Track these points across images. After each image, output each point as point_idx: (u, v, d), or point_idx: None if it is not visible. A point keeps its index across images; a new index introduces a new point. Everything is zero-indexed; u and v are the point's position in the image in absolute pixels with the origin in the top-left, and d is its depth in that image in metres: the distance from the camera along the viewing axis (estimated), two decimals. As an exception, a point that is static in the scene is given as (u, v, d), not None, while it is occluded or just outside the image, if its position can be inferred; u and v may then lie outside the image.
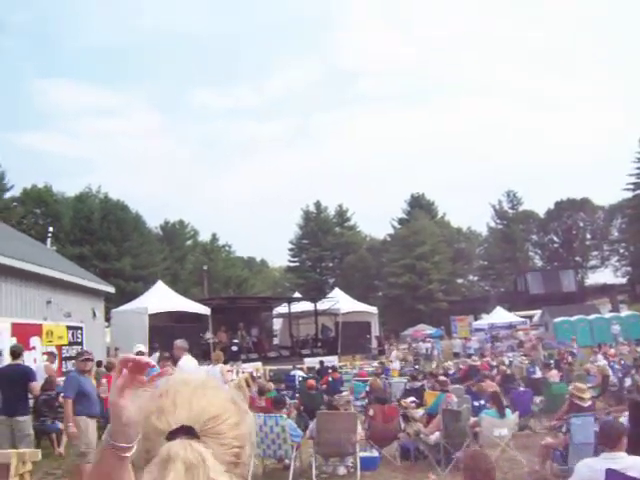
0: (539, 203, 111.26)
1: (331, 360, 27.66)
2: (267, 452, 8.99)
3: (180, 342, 11.08)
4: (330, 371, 21.54)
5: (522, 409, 11.26)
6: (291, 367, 24.85)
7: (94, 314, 23.18)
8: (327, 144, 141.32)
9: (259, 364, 26.15)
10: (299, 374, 22.45)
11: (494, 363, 21.93)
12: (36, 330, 17.91)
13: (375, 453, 9.55)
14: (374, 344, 35.04)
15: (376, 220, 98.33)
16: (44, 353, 15.42)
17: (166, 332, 24.31)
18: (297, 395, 15.34)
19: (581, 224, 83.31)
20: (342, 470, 9.28)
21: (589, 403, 9.54)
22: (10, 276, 16.52)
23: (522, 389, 13.18)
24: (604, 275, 79.60)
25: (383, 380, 16.65)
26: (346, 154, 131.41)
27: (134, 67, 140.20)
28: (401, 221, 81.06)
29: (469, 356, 33.76)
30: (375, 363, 28.32)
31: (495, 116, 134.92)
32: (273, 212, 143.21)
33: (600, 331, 38.57)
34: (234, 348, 25.10)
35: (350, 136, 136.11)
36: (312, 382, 14.54)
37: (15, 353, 9.41)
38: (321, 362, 25.50)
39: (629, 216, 73.20)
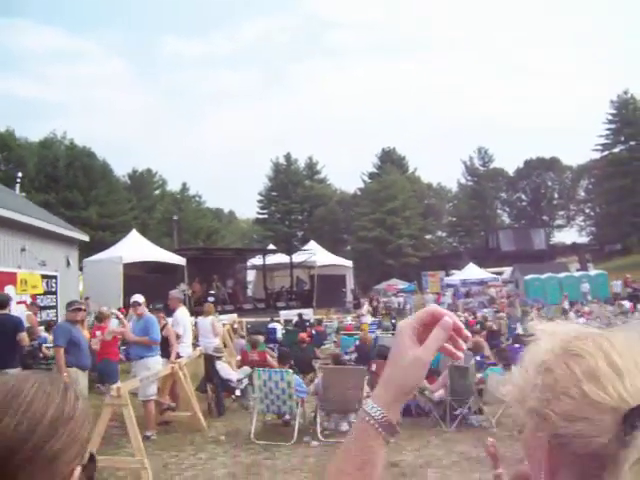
0: (509, 161, 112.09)
1: (306, 313, 27.40)
2: (271, 408, 8.70)
3: (175, 292, 10.70)
4: (314, 324, 21.40)
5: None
6: (268, 319, 24.58)
7: (68, 263, 22.50)
8: (299, 95, 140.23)
9: (234, 316, 25.75)
10: (278, 327, 22.21)
11: (472, 318, 21.95)
12: (10, 279, 17.28)
13: (378, 409, 9.31)
14: (349, 297, 34.90)
15: (346, 174, 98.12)
16: (20, 302, 14.80)
17: (140, 282, 23.73)
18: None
19: (549, 183, 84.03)
20: (345, 426, 9.02)
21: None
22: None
23: (516, 345, 13.02)
24: (569, 234, 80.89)
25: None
26: (318, 106, 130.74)
27: (105, 13, 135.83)
28: (372, 175, 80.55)
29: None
30: (349, 317, 28.18)
31: (468, 73, 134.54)
32: (242, 164, 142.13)
33: (569, 289, 38.94)
34: (210, 299, 24.64)
35: (322, 88, 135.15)
36: (304, 335, 14.27)
37: (2, 303, 8.87)
38: (299, 315, 25.27)
39: (596, 177, 73.85)
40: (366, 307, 30.80)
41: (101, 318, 10.06)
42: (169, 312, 10.40)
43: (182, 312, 10.45)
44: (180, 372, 8.98)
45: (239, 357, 14.21)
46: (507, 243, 59.41)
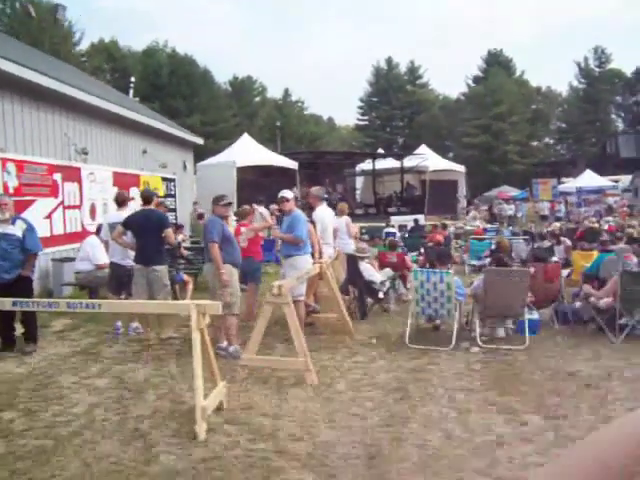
0: (628, 62, 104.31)
1: (419, 218, 26.68)
2: (427, 311, 8.18)
3: (315, 190, 10.20)
4: (430, 230, 20.71)
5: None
6: (383, 225, 24.10)
7: (185, 166, 22.58)
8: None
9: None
10: (395, 231, 21.69)
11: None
12: (134, 180, 17.41)
13: (536, 315, 8.66)
14: (462, 204, 33.83)
15: (450, 78, 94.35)
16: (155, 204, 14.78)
17: (253, 186, 23.65)
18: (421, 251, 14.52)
19: (671, 85, 77.86)
20: (501, 332, 8.46)
21: None
22: (110, 123, 15.73)
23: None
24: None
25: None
26: (420, 8, 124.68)
27: None
28: (476, 79, 77.10)
29: (558, 219, 32.42)
30: (475, 222, 27.25)
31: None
32: (342, 70, 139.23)
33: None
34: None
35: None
36: (439, 236, 13.65)
37: (148, 198, 8.64)
38: (415, 220, 24.67)
39: None
40: (472, 213, 29.56)
41: (243, 214, 9.70)
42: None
43: (322, 210, 9.99)
44: (328, 272, 8.58)
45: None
46: (627, 149, 55.70)
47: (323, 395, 6.13)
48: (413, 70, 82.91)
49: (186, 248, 12.63)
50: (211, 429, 5.14)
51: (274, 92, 77.46)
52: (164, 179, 19.98)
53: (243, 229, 9.20)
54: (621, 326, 8.41)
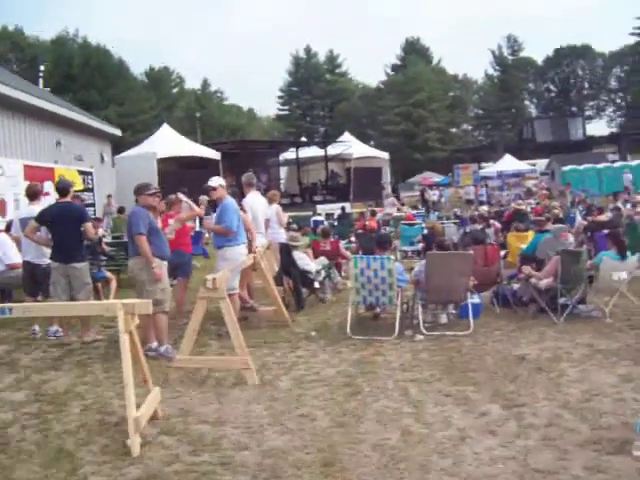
0: (538, 50, 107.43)
1: (345, 206, 26.45)
2: (368, 300, 7.82)
3: (246, 176, 9.69)
4: (357, 217, 20.51)
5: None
6: (310, 214, 23.80)
7: (102, 158, 21.59)
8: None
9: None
10: (323, 220, 21.40)
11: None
12: (48, 174, 16.40)
13: (477, 299, 8.45)
14: (387, 190, 33.81)
15: (369, 67, 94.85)
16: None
17: (176, 177, 22.91)
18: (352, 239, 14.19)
19: (580, 72, 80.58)
20: (444, 319, 8.21)
21: None
22: (17, 111, 14.72)
23: (604, 231, 11.98)
24: (599, 126, 78.18)
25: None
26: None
27: None
28: (395, 68, 77.99)
29: (480, 203, 32.87)
30: (392, 209, 27.10)
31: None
32: (260, 59, 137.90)
33: (609, 180, 37.51)
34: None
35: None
36: (374, 223, 13.33)
37: (63, 189, 7.94)
38: (342, 208, 24.47)
39: (630, 64, 70.41)
40: (391, 199, 29.21)
41: (170, 204, 9.08)
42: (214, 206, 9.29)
43: (252, 197, 9.49)
44: (262, 262, 8.11)
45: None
46: (543, 134, 57.33)
47: (266, 395, 5.67)
48: (332, 59, 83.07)
49: (107, 244, 11.89)
50: (146, 442, 4.59)
51: (192, 83, 75.93)
52: (81, 172, 18.98)
53: (170, 220, 8.60)
54: (562, 306, 8.30)
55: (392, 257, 7.70)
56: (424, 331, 7.68)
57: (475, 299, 8.39)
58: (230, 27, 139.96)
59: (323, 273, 9.73)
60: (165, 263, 7.18)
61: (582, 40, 78.68)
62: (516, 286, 9.43)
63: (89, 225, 7.81)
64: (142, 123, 56.50)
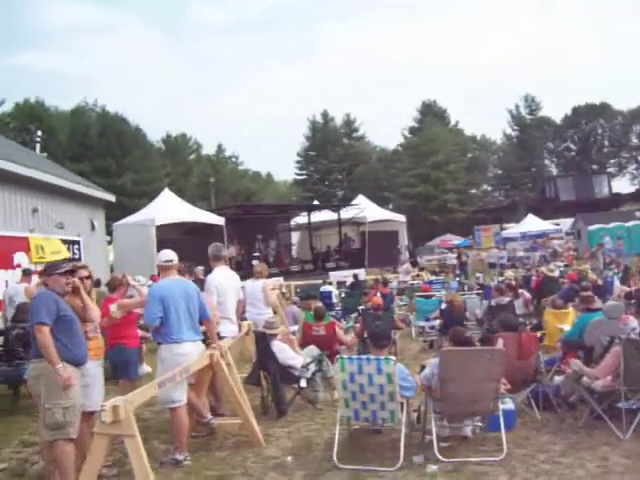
0: (556, 109, 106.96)
1: (357, 274, 24.46)
2: (362, 414, 5.74)
3: (211, 247, 7.81)
4: (371, 286, 18.50)
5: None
6: (320, 282, 21.86)
7: (93, 226, 19.89)
8: (334, 53, 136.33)
9: (280, 279, 22.92)
10: (332, 290, 19.45)
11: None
12: (20, 244, 14.68)
13: (510, 404, 6.37)
14: (405, 255, 31.78)
15: (386, 130, 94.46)
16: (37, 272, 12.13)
17: (175, 245, 21.07)
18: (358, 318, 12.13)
19: (599, 130, 79.22)
20: (468, 431, 6.11)
21: None
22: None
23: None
24: (621, 184, 76.22)
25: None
26: (353, 63, 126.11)
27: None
28: (412, 130, 77.35)
29: (503, 267, 30.82)
30: (406, 277, 25.06)
31: (509, 19, 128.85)
32: (278, 126, 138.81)
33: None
34: (255, 262, 21.91)
35: (357, 44, 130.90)
36: (378, 299, 11.28)
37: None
38: (355, 275, 22.49)
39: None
40: (406, 266, 27.07)
41: (113, 286, 7.17)
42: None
43: (219, 273, 7.58)
44: (222, 361, 6.11)
45: (293, 327, 11.40)
46: (566, 192, 55.40)
47: None
48: (349, 123, 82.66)
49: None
50: None
51: (209, 149, 75.45)
52: (64, 242, 17.27)
53: (112, 306, 6.67)
54: (627, 411, 6.18)
55: (392, 358, 5.60)
56: (439, 456, 5.58)
57: (508, 404, 6.31)
58: (248, 97, 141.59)
59: (312, 367, 7.67)
60: (77, 370, 5.17)
61: (600, 98, 77.48)
62: (558, 379, 7.36)
63: None
64: (157, 190, 55.62)
